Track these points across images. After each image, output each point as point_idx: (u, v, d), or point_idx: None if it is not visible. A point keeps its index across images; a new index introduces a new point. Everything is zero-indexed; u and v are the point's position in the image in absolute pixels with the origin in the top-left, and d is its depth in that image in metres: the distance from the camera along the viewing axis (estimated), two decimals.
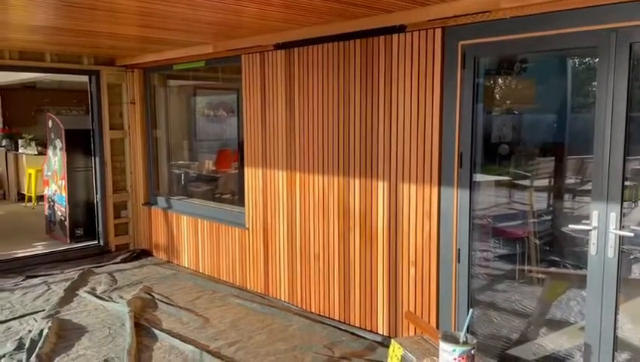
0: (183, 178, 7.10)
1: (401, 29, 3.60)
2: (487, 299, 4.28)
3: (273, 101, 4.62)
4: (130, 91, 6.36)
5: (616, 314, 2.87)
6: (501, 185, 5.47)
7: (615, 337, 2.89)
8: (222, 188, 7.42)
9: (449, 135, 3.46)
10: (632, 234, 2.83)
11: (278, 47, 4.48)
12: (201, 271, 5.66)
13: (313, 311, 4.46)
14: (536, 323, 4.02)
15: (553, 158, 5.46)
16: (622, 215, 2.82)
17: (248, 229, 5.02)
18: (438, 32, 3.43)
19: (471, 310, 2.54)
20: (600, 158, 2.85)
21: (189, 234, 5.79)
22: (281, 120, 4.56)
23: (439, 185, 3.53)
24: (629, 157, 2.87)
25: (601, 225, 2.85)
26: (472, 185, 3.44)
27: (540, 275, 4.65)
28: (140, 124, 6.35)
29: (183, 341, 3.84)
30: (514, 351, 3.52)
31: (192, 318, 4.35)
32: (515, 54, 4.35)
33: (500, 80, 5.56)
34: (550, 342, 3.65)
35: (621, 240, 2.83)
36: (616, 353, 2.92)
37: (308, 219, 4.43)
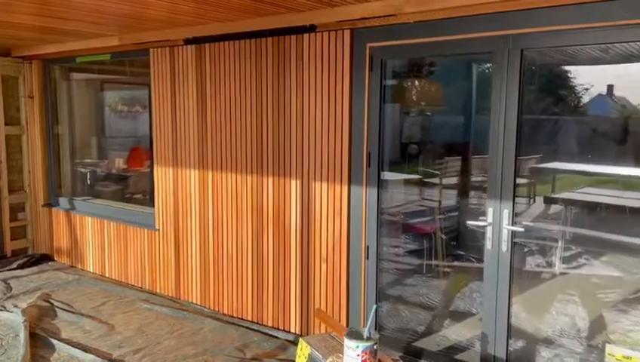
0: (89, 177, 6.70)
1: (311, 28, 3.61)
2: (396, 294, 4.42)
3: (184, 97, 4.48)
4: (28, 84, 5.91)
5: (509, 304, 3.06)
6: (411, 183, 5.69)
7: (509, 326, 3.08)
8: (133, 188, 7.08)
9: (358, 135, 3.53)
10: (522, 230, 3.03)
11: (189, 42, 4.34)
12: (107, 275, 5.37)
13: (226, 312, 4.38)
14: (441, 315, 4.21)
15: (460, 157, 5.75)
16: (514, 212, 3.02)
17: (158, 230, 4.84)
18: (347, 33, 3.48)
19: (374, 306, 2.60)
20: (494, 159, 3.03)
21: (95, 236, 5.48)
22: (192, 117, 4.43)
23: (349, 183, 3.59)
24: (525, 157, 3.07)
25: (495, 221, 3.04)
26: (381, 184, 3.53)
27: (445, 269, 4.88)
28: (39, 119, 5.91)
29: (83, 350, 3.63)
30: (419, 343, 3.66)
31: (95, 326, 4.11)
32: (423, 58, 4.53)
33: (409, 82, 5.76)
34: (453, 332, 3.84)
35: (513, 234, 3.02)
36: (510, 341, 3.11)
37: (221, 218, 4.34)
